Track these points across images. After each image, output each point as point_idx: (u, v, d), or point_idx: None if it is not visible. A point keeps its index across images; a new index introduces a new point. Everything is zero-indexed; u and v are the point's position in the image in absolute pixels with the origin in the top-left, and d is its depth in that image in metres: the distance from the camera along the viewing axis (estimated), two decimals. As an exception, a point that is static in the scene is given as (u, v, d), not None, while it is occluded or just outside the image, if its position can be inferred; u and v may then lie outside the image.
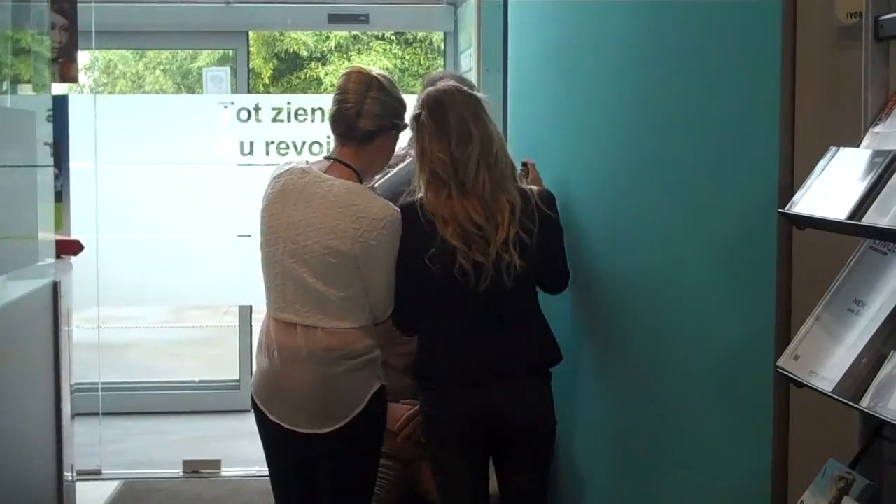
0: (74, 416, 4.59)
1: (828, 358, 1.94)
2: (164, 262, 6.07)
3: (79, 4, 5.36)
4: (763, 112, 2.35)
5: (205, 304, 10.13)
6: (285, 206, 3.23)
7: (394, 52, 16.24)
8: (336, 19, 7.05)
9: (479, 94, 3.32)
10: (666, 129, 2.90)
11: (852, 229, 1.83)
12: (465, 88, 3.33)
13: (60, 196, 5.43)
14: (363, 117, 3.24)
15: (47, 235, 4.26)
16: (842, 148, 2.01)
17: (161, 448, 6.36)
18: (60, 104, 5.52)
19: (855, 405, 1.80)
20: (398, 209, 3.23)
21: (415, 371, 3.33)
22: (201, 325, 11.21)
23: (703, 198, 2.67)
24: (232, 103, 6.12)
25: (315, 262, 3.18)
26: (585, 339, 3.59)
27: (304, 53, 16.32)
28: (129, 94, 16.70)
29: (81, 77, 17.22)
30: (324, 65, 16.28)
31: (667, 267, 2.94)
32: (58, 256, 4.45)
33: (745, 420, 2.47)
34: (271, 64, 16.35)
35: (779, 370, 2.05)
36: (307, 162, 3.34)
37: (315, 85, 15.89)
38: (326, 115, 3.63)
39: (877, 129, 1.99)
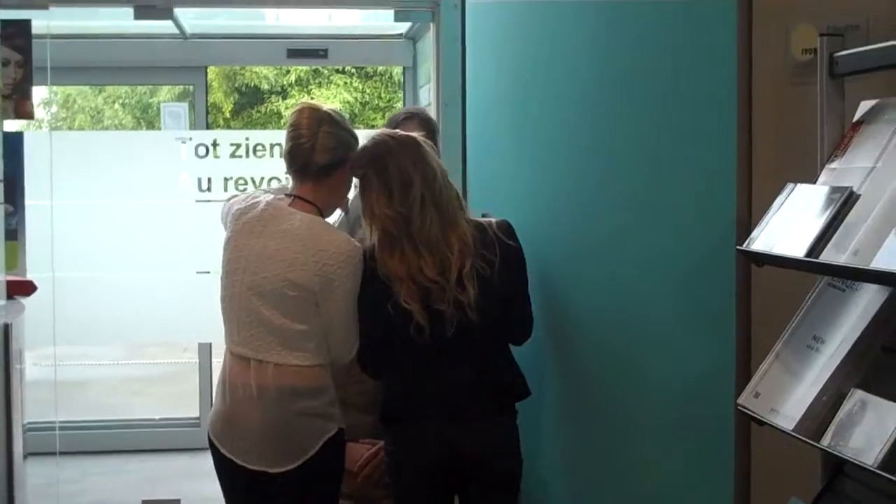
0: (27, 455, 4.51)
1: (788, 395, 1.93)
2: (122, 299, 5.98)
3: (34, 40, 5.31)
4: (720, 147, 2.36)
5: (164, 342, 10.02)
6: (248, 238, 3.21)
7: (354, 85, 16.25)
8: (295, 54, 7.02)
9: (413, 134, 3.27)
10: (623, 161, 2.91)
11: (810, 267, 1.83)
12: (398, 134, 3.27)
13: (15, 234, 5.39)
14: (318, 152, 3.22)
15: (-2, 277, 4.18)
16: (799, 184, 2.00)
17: (119, 488, 6.26)
18: (15, 141, 5.47)
19: (816, 444, 1.79)
20: (359, 245, 3.20)
21: (381, 412, 3.27)
22: (161, 361, 11.08)
23: (662, 231, 2.67)
24: (190, 139, 6.08)
25: (273, 295, 3.15)
26: (548, 372, 3.57)
27: (265, 87, 16.31)
28: (86, 131, 16.55)
29: (39, 112, 17.19)
30: (284, 98, 16.26)
31: (626, 300, 2.94)
32: (10, 297, 4.38)
33: (707, 456, 2.47)
34: (232, 98, 16.32)
35: (739, 408, 2.04)
36: (274, 197, 3.31)
37: (276, 119, 15.87)
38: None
39: (833, 165, 1.99)
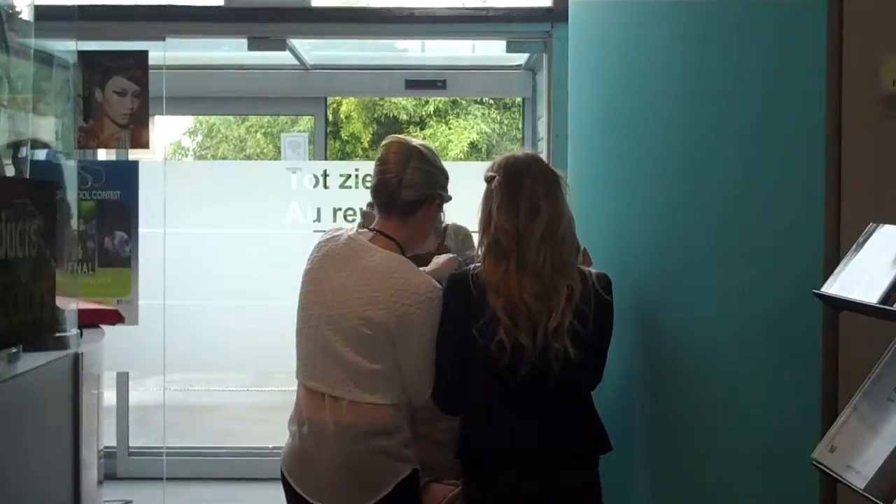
0: (102, 481, 4.55)
1: (864, 451, 1.79)
2: (233, 327, 6.06)
3: (150, 72, 5.43)
4: (808, 183, 2.23)
5: (275, 371, 10.14)
6: (327, 272, 3.15)
7: (492, 116, 16.30)
8: (413, 85, 7.05)
9: (559, 172, 3.19)
10: (709, 197, 2.80)
11: (884, 314, 1.69)
12: (544, 162, 3.22)
13: (129, 261, 5.49)
14: (405, 187, 3.15)
15: (70, 305, 4.22)
16: (882, 225, 1.87)
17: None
18: (130, 169, 5.59)
19: (887, 505, 1.66)
20: (439, 287, 3.12)
21: (457, 449, 3.17)
22: (287, 389, 11.16)
23: (748, 272, 2.54)
24: (300, 169, 6.14)
25: (349, 332, 3.08)
26: (631, 417, 3.45)
27: (404, 117, 16.47)
28: (198, 160, 16.93)
29: (185, 140, 17.61)
30: (422, 129, 16.40)
31: (709, 343, 2.82)
32: (95, 325, 4.43)
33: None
34: (371, 128, 16.50)
35: (814, 463, 1.90)
36: (357, 231, 3.26)
37: (414, 149, 15.97)
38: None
39: (921, 204, 1.86)
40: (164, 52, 5.50)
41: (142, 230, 5.56)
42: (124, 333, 5.57)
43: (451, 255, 3.44)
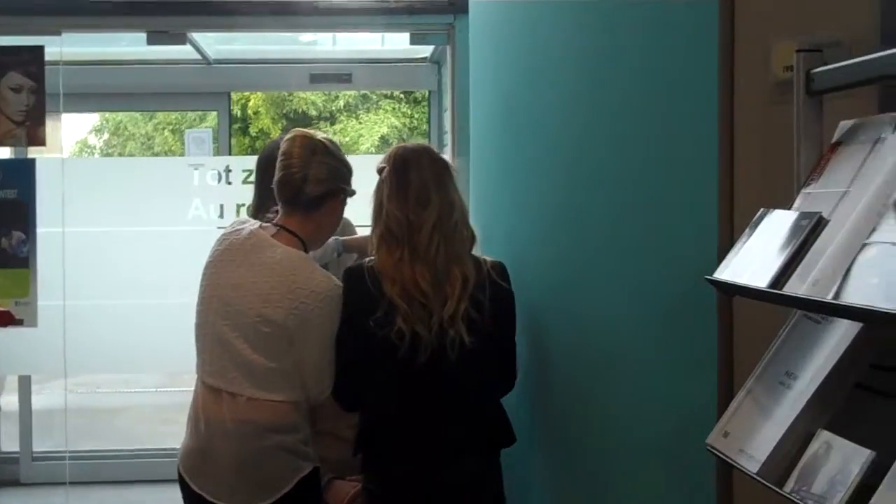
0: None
1: (757, 435, 1.80)
2: (136, 326, 5.94)
3: (46, 67, 5.31)
4: (701, 171, 2.24)
5: (182, 371, 10.02)
6: (227, 266, 3.11)
7: (402, 110, 16.27)
8: (318, 79, 7.00)
9: (448, 160, 3.19)
10: (603, 187, 2.80)
11: (774, 298, 1.69)
12: (435, 151, 3.21)
13: (27, 261, 5.36)
14: (310, 182, 3.13)
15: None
16: (773, 210, 1.88)
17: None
18: (27, 167, 5.46)
19: (779, 490, 1.66)
20: (339, 284, 3.09)
21: (356, 444, 3.16)
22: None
23: (643, 260, 2.55)
24: (202, 165, 6.05)
25: (247, 328, 3.04)
26: (528, 411, 3.45)
27: (313, 113, 16.39)
28: (98, 158, 16.67)
29: (91, 138, 17.30)
30: (332, 124, 16.35)
31: (606, 333, 2.82)
32: None
33: (690, 498, 2.33)
34: (280, 124, 16.39)
35: (708, 448, 1.91)
36: (261, 225, 3.21)
37: (324, 144, 15.86)
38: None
39: (809, 189, 1.86)
40: (61, 48, 5.37)
41: (40, 229, 5.42)
42: (23, 336, 5.45)
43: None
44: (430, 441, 3.05)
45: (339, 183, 3.20)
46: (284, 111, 16.39)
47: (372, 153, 15.08)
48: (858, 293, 1.44)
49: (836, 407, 1.73)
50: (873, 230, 1.50)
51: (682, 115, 2.34)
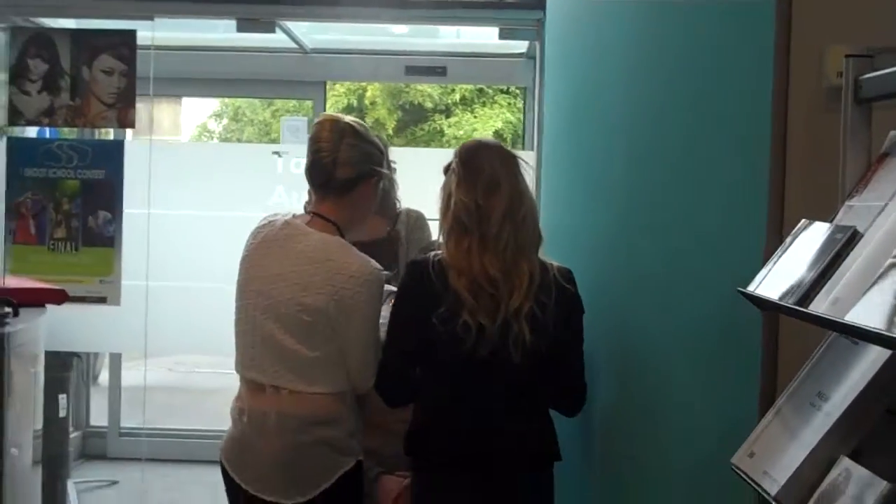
0: (38, 462, 4.50)
1: (781, 457, 1.72)
2: (215, 309, 5.99)
3: (139, 51, 5.38)
4: (753, 179, 2.15)
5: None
6: (264, 258, 3.08)
7: (518, 105, 16.19)
8: (413, 71, 6.99)
9: (518, 155, 3.08)
10: (656, 196, 2.72)
11: (799, 315, 1.61)
12: (504, 145, 3.15)
13: (113, 241, 5.45)
14: (340, 166, 3.07)
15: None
16: (814, 222, 1.79)
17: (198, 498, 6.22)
18: (115, 149, 5.54)
19: (794, 515, 1.59)
20: (380, 268, 3.06)
21: (406, 443, 3.08)
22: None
23: (692, 273, 2.46)
24: (287, 153, 6.07)
25: (287, 319, 3.00)
26: (573, 427, 3.37)
27: (429, 105, 16.37)
28: (184, 142, 16.89)
29: (211, 123, 17.59)
30: (447, 117, 16.32)
31: (653, 346, 2.74)
32: (41, 305, 4.36)
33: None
34: (395, 115, 16.43)
35: (733, 468, 1.83)
36: (293, 215, 3.18)
37: (438, 137, 15.91)
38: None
39: (852, 201, 1.77)
40: (153, 32, 5.44)
41: (126, 210, 5.50)
42: (107, 314, 5.55)
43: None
44: (483, 449, 2.96)
45: (370, 165, 3.13)
46: (401, 102, 16.42)
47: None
48: (869, 314, 1.35)
49: (864, 432, 1.65)
50: (901, 248, 1.41)
51: (736, 121, 2.25)
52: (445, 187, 3.04)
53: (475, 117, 16.16)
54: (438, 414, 3.03)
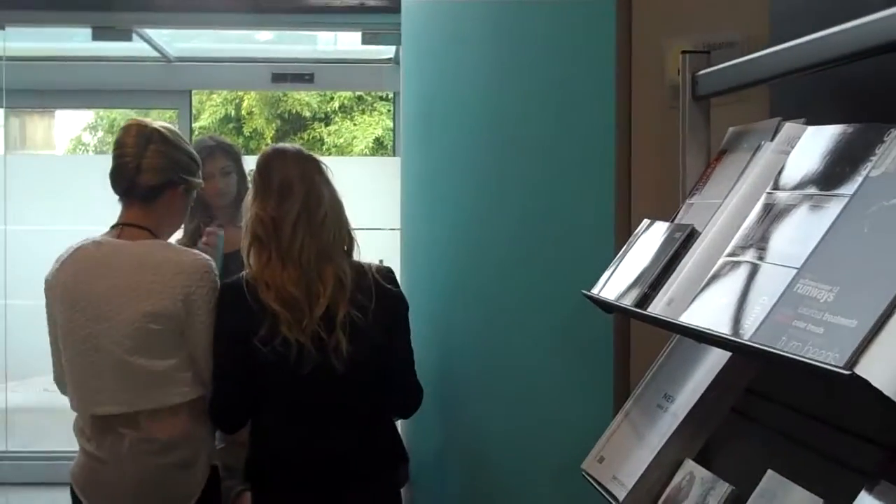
0: None
1: (629, 461, 1.69)
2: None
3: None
4: (599, 179, 2.13)
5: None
6: (88, 285, 2.87)
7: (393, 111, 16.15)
8: (279, 79, 6.86)
9: (319, 159, 2.99)
10: (505, 192, 2.70)
11: (639, 317, 1.58)
12: (301, 148, 3.01)
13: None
14: (144, 172, 2.93)
15: None
16: (656, 222, 1.77)
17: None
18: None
19: (639, 521, 1.55)
20: (210, 259, 2.94)
21: (245, 471, 2.97)
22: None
23: (542, 273, 2.44)
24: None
25: (135, 335, 2.83)
26: (428, 421, 3.33)
27: (307, 114, 16.22)
28: (42, 154, 16.50)
29: (86, 136, 17.15)
30: (327, 125, 16.19)
31: (504, 347, 2.71)
32: None
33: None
34: (274, 124, 16.25)
35: (583, 473, 1.80)
36: (99, 236, 3.01)
37: (318, 145, 15.77)
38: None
39: (692, 199, 1.75)
40: (4, 42, 5.26)
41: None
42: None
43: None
44: (319, 468, 2.88)
45: (178, 173, 2.97)
46: (279, 111, 16.22)
47: (366, 154, 14.99)
48: (704, 314, 1.33)
49: (709, 432, 1.63)
50: (734, 245, 1.39)
51: (580, 121, 2.24)
52: (246, 202, 2.96)
53: (355, 125, 16.09)
54: (271, 436, 2.92)
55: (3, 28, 5.21)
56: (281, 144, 3.00)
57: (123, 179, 2.96)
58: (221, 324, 2.88)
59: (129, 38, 5.40)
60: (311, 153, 2.99)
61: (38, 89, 6.41)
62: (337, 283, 2.83)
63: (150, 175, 2.94)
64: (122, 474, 2.87)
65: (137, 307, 2.84)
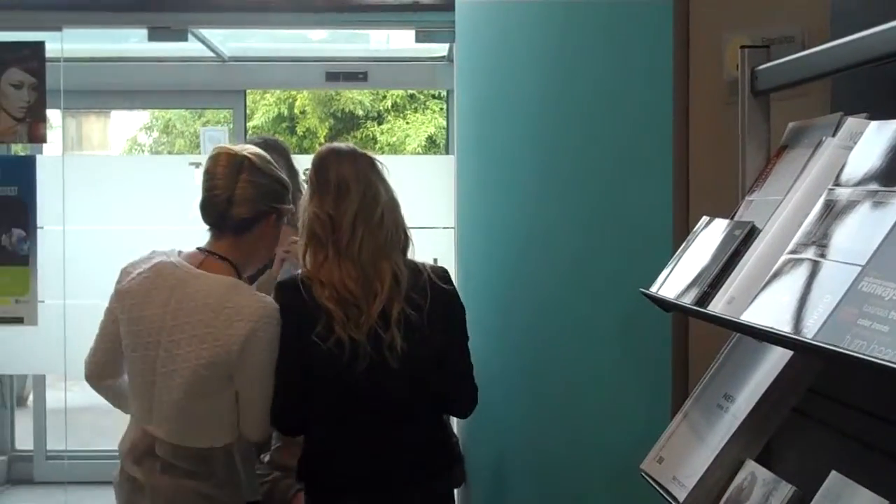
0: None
1: (689, 462, 1.67)
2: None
3: (48, 63, 5.25)
4: (658, 177, 2.11)
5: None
6: (155, 307, 2.82)
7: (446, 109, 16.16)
8: (333, 77, 6.84)
9: (374, 157, 2.96)
10: (563, 193, 2.68)
11: (699, 315, 1.56)
12: (360, 150, 2.98)
13: (27, 259, 5.31)
14: (236, 205, 2.86)
15: None
16: (715, 219, 1.75)
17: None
18: (27, 165, 5.40)
19: (700, 523, 1.54)
20: (275, 304, 2.84)
21: (298, 473, 2.95)
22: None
23: (601, 272, 2.42)
24: (202, 164, 5.93)
25: (188, 375, 2.77)
26: (486, 427, 3.31)
27: (360, 112, 16.25)
28: (98, 155, 16.65)
29: (141, 136, 17.39)
30: (380, 124, 16.21)
31: (565, 346, 2.69)
32: None
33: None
34: (327, 123, 16.29)
35: (642, 474, 1.78)
36: (179, 253, 2.96)
37: (371, 144, 15.80)
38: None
39: (752, 196, 1.73)
40: (62, 44, 5.30)
41: (41, 227, 5.37)
42: (24, 334, 5.40)
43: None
44: (373, 468, 2.85)
45: (270, 203, 2.90)
46: (331, 110, 16.25)
47: (419, 153, 15.00)
48: (765, 312, 1.30)
49: (771, 432, 1.60)
50: (796, 242, 1.36)
51: (638, 118, 2.22)
52: (303, 201, 2.93)
53: (407, 123, 16.10)
54: (325, 435, 2.91)
55: (60, 30, 5.24)
56: (335, 143, 2.99)
57: (214, 212, 2.89)
58: (284, 324, 2.84)
59: (184, 39, 5.42)
60: (366, 151, 2.98)
61: (95, 90, 6.46)
62: (393, 281, 2.81)
63: (243, 208, 2.86)
64: (152, 492, 2.85)
65: (195, 349, 2.77)
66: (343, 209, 2.83)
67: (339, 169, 2.87)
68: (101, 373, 3.03)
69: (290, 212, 3.03)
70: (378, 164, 2.95)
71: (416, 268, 2.89)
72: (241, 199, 2.85)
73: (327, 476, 2.90)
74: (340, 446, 2.87)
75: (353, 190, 2.84)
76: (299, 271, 2.90)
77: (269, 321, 2.79)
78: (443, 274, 2.92)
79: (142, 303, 2.85)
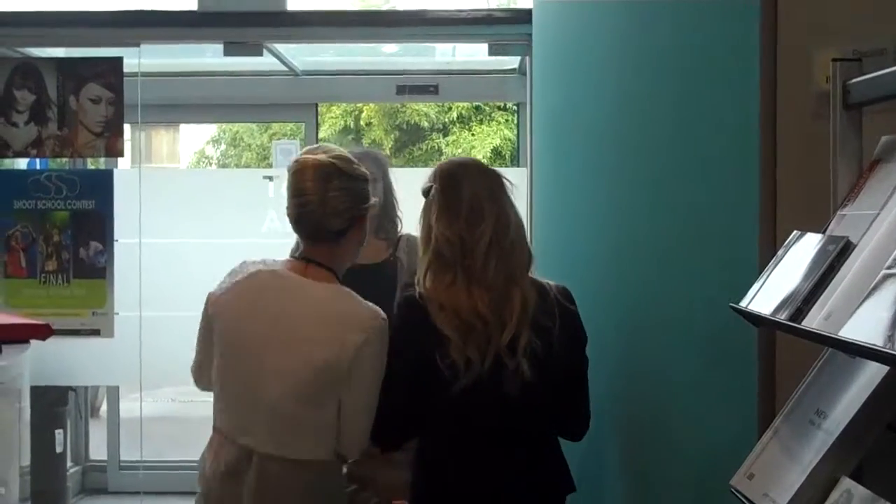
0: (26, 499, 4.35)
1: (782, 478, 1.65)
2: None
3: (126, 78, 5.33)
4: (743, 192, 2.09)
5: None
6: (259, 314, 2.81)
7: (517, 122, 16.13)
8: (404, 90, 6.88)
9: (501, 173, 2.90)
10: (647, 207, 2.66)
11: (792, 331, 1.54)
12: (485, 164, 2.97)
13: (104, 272, 5.38)
14: (330, 217, 2.81)
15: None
16: (806, 233, 1.73)
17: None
18: (105, 179, 5.48)
19: (796, 541, 1.52)
20: (384, 316, 2.81)
21: (411, 494, 2.91)
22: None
23: (685, 287, 2.40)
24: (277, 177, 5.97)
25: (300, 383, 2.75)
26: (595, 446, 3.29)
27: (426, 124, 16.29)
28: (172, 167, 16.81)
29: (209, 149, 17.56)
30: (445, 135, 16.24)
31: (648, 362, 2.67)
32: (24, 341, 4.26)
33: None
34: (392, 135, 16.35)
35: (732, 490, 1.77)
36: (274, 261, 2.94)
37: (436, 156, 15.83)
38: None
39: (845, 210, 1.71)
40: (140, 59, 5.39)
41: (117, 240, 5.45)
42: (101, 346, 5.48)
43: None
44: (487, 494, 2.78)
45: (360, 205, 2.85)
46: (397, 122, 16.31)
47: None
48: (864, 328, 1.29)
49: (865, 450, 1.58)
50: (894, 258, 1.35)
51: (723, 131, 2.20)
52: (425, 217, 2.85)
53: (473, 135, 16.11)
54: (437, 462, 2.85)
55: (138, 45, 5.32)
56: (459, 158, 2.98)
57: (309, 226, 2.84)
58: (402, 338, 2.80)
59: (259, 53, 5.48)
60: (492, 167, 2.94)
61: (170, 104, 6.55)
62: (521, 308, 2.74)
63: (337, 220, 2.82)
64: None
65: (309, 356, 2.76)
66: (477, 234, 2.75)
67: (472, 188, 2.80)
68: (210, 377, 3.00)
69: (375, 206, 3.02)
70: (506, 181, 2.87)
71: (543, 289, 2.81)
72: (334, 211, 2.81)
73: (440, 500, 2.86)
74: (453, 473, 2.81)
75: (487, 213, 2.77)
76: (417, 290, 2.82)
77: (382, 332, 2.78)
78: (567, 294, 2.84)
79: (246, 312, 2.84)
